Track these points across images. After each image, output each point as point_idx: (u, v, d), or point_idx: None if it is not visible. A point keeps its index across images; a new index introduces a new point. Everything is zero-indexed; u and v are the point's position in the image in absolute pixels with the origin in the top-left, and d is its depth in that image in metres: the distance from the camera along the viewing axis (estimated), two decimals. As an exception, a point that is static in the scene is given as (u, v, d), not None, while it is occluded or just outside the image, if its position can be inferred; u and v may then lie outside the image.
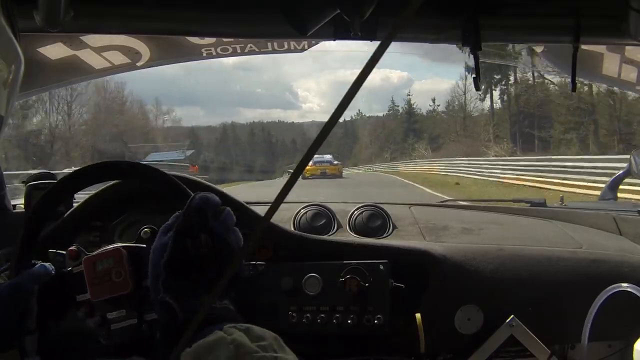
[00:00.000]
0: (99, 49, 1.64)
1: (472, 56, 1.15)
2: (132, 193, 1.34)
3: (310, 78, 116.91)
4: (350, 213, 1.57)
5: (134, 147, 33.19)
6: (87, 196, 1.35)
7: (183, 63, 1.94)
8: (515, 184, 15.62)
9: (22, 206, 1.55)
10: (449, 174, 23.08)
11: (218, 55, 1.72)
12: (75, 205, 1.35)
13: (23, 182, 1.53)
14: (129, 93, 37.65)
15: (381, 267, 1.30)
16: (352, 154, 56.83)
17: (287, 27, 1.13)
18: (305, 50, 1.72)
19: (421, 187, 17.80)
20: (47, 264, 0.89)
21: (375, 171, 37.59)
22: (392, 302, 1.30)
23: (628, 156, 2.10)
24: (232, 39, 1.67)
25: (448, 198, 3.05)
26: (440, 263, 1.34)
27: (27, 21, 0.98)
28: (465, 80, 38.76)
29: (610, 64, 1.72)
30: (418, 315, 1.31)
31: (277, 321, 1.30)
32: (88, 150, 27.11)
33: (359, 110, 59.12)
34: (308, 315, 1.30)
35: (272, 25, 1.19)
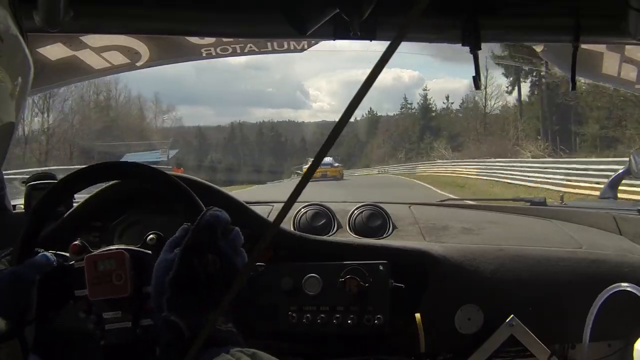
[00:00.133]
0: (99, 49, 1.64)
1: (486, 53, 1.14)
2: (131, 193, 1.34)
3: (322, 77, 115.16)
4: (350, 213, 1.56)
5: (105, 145, 28.08)
6: (87, 196, 1.35)
7: (193, 62, 1.94)
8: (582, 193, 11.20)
9: (22, 206, 1.55)
10: (482, 177, 19.28)
11: (218, 55, 1.73)
12: (75, 205, 1.35)
13: (23, 182, 1.53)
14: (122, 87, 36.10)
15: (381, 267, 1.30)
16: (364, 154, 54.84)
17: (287, 27, 1.13)
18: (305, 50, 1.72)
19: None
20: (48, 254, 0.89)
21: (386, 173, 34.32)
22: (392, 302, 1.30)
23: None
24: (231, 39, 1.67)
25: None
26: (440, 263, 1.34)
27: (27, 21, 0.97)
28: (487, 72, 34.02)
29: (610, 63, 1.72)
30: (418, 315, 1.31)
31: (277, 321, 1.31)
32: (60, 149, 25.15)
33: (371, 109, 57.00)
34: (308, 315, 1.30)
35: (271, 25, 1.19)
